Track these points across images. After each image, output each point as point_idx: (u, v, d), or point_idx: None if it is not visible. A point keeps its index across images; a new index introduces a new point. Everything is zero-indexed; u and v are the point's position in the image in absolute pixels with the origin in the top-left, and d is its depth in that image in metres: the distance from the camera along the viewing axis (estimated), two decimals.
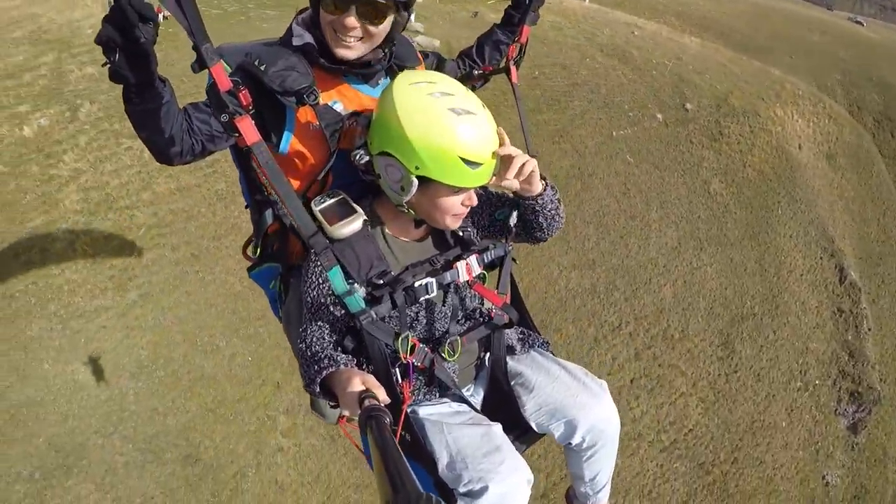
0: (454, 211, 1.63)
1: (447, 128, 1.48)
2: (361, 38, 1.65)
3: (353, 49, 1.67)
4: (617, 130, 9.46)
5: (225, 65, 1.75)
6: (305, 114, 1.70)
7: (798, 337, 10.11)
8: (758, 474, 9.44)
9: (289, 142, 1.72)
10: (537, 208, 1.79)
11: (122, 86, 1.31)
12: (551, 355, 1.95)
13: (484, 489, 1.44)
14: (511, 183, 1.70)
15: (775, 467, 9.77)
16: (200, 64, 1.28)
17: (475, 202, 1.66)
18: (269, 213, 1.80)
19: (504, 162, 1.69)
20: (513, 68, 2.20)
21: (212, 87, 1.34)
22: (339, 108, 1.74)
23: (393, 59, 1.81)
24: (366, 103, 1.77)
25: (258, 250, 1.92)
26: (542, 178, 1.77)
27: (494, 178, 1.70)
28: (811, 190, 11.46)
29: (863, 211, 13.94)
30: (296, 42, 1.70)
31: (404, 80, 1.60)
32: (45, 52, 6.56)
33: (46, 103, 6.08)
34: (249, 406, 5.70)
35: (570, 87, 9.73)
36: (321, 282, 1.59)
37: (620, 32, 11.51)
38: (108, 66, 1.24)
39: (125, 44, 1.17)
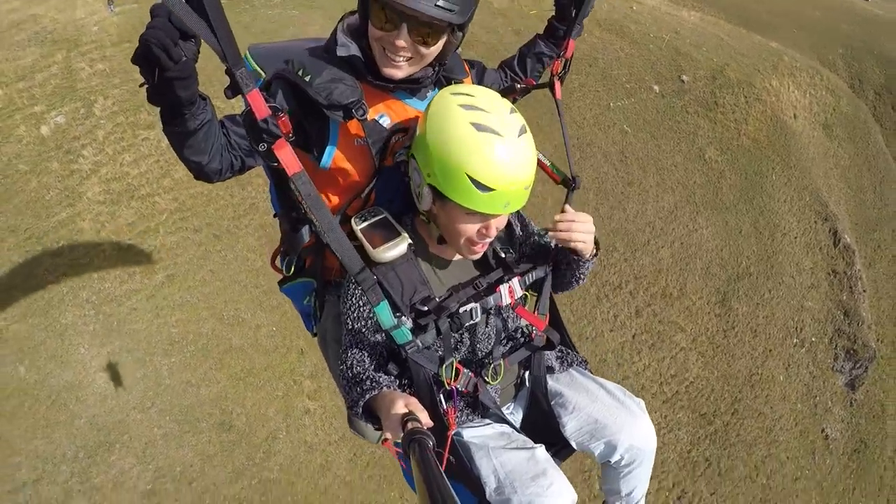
0: (467, 235, 1.57)
1: (460, 141, 1.42)
2: (411, 58, 1.58)
3: (401, 69, 1.60)
4: (614, 102, 9.93)
5: (260, 70, 1.71)
6: (351, 128, 1.62)
7: (793, 296, 10.58)
8: (758, 425, 9.96)
9: (332, 156, 1.64)
10: (574, 267, 1.81)
11: (160, 107, 1.23)
12: (590, 374, 1.95)
13: None
14: (567, 239, 1.70)
15: (774, 419, 10.29)
16: (234, 90, 1.17)
17: (492, 235, 1.59)
18: (305, 231, 1.69)
19: (570, 218, 1.70)
20: (557, 83, 2.08)
21: (248, 115, 1.23)
22: (385, 122, 1.67)
23: (441, 72, 1.74)
24: (412, 115, 1.71)
25: (292, 267, 1.84)
26: (595, 242, 1.77)
27: (558, 232, 1.69)
28: (806, 157, 11.87)
29: (859, 179, 14.31)
30: (341, 52, 1.62)
31: (447, 90, 1.57)
32: (53, 53, 6.73)
33: (61, 102, 6.28)
34: (276, 373, 6.18)
35: None
36: (364, 313, 1.57)
37: (619, 7, 11.92)
38: (146, 87, 1.15)
39: (165, 63, 1.09)
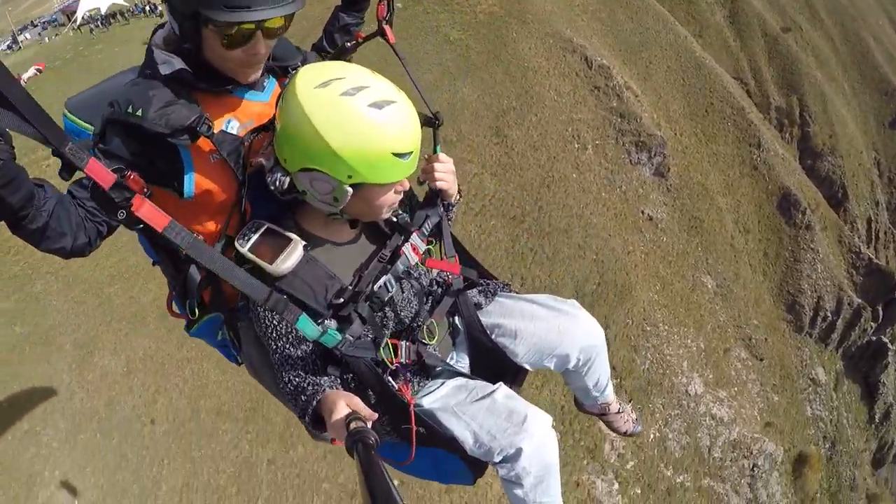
0: (390, 202, 1.55)
1: (375, 128, 1.36)
2: (264, 56, 1.53)
3: (258, 70, 1.56)
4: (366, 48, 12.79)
5: (85, 124, 1.66)
6: (202, 146, 1.51)
7: (560, 112, 13.55)
8: (566, 214, 12.91)
9: (192, 183, 1.53)
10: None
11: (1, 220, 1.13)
12: (516, 294, 1.96)
13: (518, 451, 1.51)
14: (439, 180, 1.75)
15: (581, 207, 13.26)
16: (69, 170, 1.08)
17: (408, 186, 1.57)
18: (194, 270, 1.62)
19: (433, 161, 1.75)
20: (387, 28, 2.01)
21: (94, 190, 1.12)
22: (234, 127, 1.58)
23: (270, 59, 1.61)
24: (258, 111, 1.61)
25: (195, 307, 1.72)
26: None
27: (431, 175, 1.74)
28: (542, 11, 14.86)
29: (613, 15, 17.53)
30: (164, 70, 1.49)
31: (307, 82, 1.41)
32: None
33: None
34: None
35: None
36: (284, 329, 1.53)
37: None
38: None
39: None
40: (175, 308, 1.89)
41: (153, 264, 1.86)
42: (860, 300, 19.22)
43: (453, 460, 1.65)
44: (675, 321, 14.60)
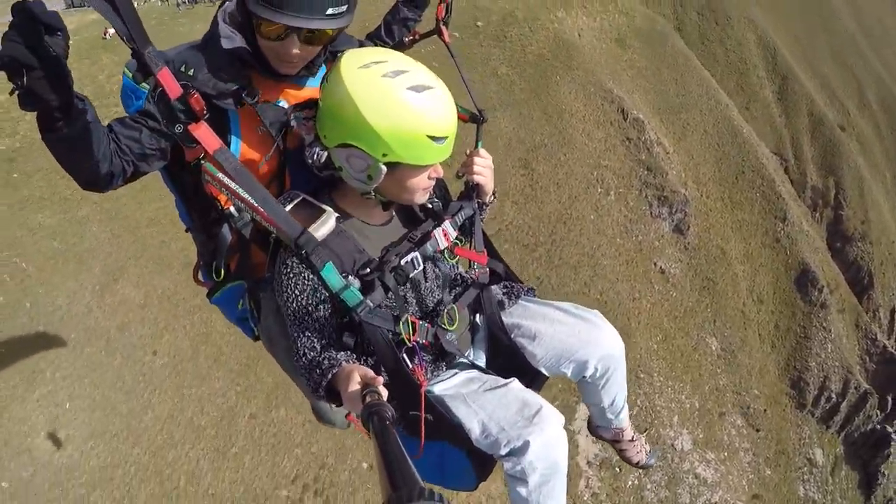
0: (423, 186, 1.59)
1: (412, 109, 1.43)
2: (304, 58, 1.58)
3: (296, 68, 1.60)
4: (424, 48, 13.83)
5: (142, 84, 1.63)
6: (249, 116, 1.57)
7: (589, 156, 14.25)
8: (578, 251, 13.50)
9: (238, 147, 1.58)
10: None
11: (35, 112, 1.12)
12: (539, 299, 1.95)
13: (526, 444, 1.48)
14: (478, 175, 1.81)
15: (593, 247, 13.84)
16: (144, 71, 1.14)
17: (441, 173, 1.61)
18: (226, 230, 1.63)
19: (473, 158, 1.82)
20: (443, 28, 2.09)
21: (161, 96, 1.20)
22: (283, 104, 1.63)
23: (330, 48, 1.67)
24: (308, 94, 1.67)
25: (220, 272, 1.72)
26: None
27: (471, 169, 1.80)
28: (590, 62, 15.73)
29: (658, 75, 18.27)
30: (226, 45, 1.55)
31: (351, 63, 1.49)
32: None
33: None
34: None
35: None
36: (306, 286, 1.53)
37: None
38: (17, 91, 1.06)
39: (34, 62, 1.02)
40: (200, 277, 1.96)
41: (186, 230, 1.92)
42: (868, 386, 19.03)
43: (458, 457, 1.64)
44: (672, 375, 14.88)
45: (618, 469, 13.07)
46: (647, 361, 13.68)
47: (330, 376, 1.43)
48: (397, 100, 1.42)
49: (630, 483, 13.36)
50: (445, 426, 1.58)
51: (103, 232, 8.48)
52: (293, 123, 1.59)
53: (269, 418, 8.10)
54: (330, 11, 1.42)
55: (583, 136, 14.13)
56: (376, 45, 2.04)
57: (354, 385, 1.27)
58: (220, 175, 1.41)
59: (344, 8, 1.45)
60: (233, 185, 1.40)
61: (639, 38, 18.03)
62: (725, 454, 15.96)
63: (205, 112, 1.25)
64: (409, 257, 1.58)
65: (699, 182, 17.48)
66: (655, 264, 15.39)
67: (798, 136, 26.49)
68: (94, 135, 1.24)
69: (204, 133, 1.26)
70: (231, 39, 1.54)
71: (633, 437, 2.17)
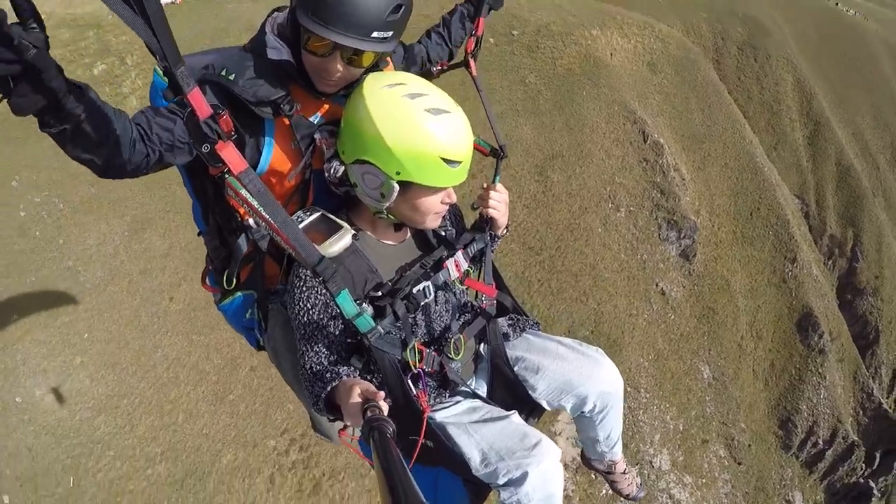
0: (435, 210, 1.62)
1: (426, 130, 1.47)
2: (345, 77, 1.60)
3: (336, 87, 1.62)
4: (465, 79, 14.42)
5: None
6: (284, 128, 1.61)
7: (604, 172, 14.63)
8: (581, 260, 13.89)
9: (270, 155, 1.61)
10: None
11: (29, 114, 1.06)
12: (543, 334, 1.99)
13: (524, 475, 1.49)
14: (493, 209, 1.84)
15: (597, 258, 14.21)
16: (175, 90, 1.13)
17: (454, 199, 1.65)
18: (243, 240, 1.67)
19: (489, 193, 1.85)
20: (471, 61, 2.17)
21: (190, 116, 1.18)
22: (316, 120, 1.68)
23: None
24: (339, 112, 1.68)
25: (233, 280, 1.75)
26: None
27: (486, 203, 1.83)
28: (618, 82, 16.11)
29: (686, 103, 18.56)
30: (272, 55, 1.58)
31: (374, 83, 1.56)
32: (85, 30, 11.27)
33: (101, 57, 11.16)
34: None
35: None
36: (318, 300, 1.55)
37: None
38: (6, 100, 1.01)
39: (12, 62, 0.96)
40: (208, 282, 1.96)
41: (198, 234, 1.92)
42: (856, 438, 19.05)
43: (454, 483, 1.66)
44: (660, 394, 15.16)
45: (593, 476, 13.45)
46: (636, 376, 14.01)
47: (330, 388, 1.47)
48: (413, 119, 1.48)
49: (603, 492, 13.70)
50: (445, 453, 1.62)
51: (137, 185, 9.10)
52: (317, 136, 1.64)
53: (267, 373, 8.63)
54: (375, 35, 1.47)
55: (601, 152, 14.55)
56: (430, 37, 2.18)
57: (356, 398, 1.30)
58: (244, 192, 1.41)
59: (389, 34, 1.50)
60: (255, 203, 1.40)
61: (671, 65, 18.36)
62: (703, 480, 16.17)
63: (233, 133, 1.24)
64: (420, 286, 1.64)
65: (713, 213, 17.75)
66: (657, 285, 15.70)
67: (822, 184, 26.44)
68: (97, 123, 1.21)
69: (230, 154, 1.24)
70: (278, 51, 1.58)
71: (625, 470, 2.23)
